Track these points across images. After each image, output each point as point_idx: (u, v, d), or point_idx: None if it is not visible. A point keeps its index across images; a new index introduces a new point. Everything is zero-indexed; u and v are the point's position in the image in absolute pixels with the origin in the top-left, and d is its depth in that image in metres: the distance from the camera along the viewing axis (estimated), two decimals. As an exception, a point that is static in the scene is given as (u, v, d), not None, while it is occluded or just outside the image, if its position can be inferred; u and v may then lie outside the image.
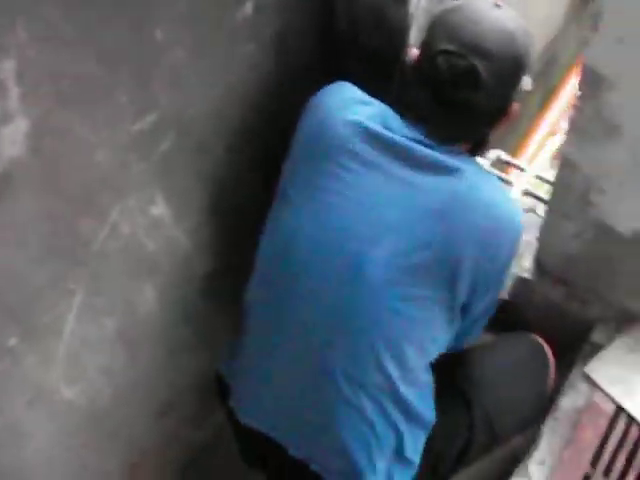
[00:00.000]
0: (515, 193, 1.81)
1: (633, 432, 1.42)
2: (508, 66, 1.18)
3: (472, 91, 1.16)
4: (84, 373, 1.28)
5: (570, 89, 3.07)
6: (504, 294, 1.46)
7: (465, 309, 1.24)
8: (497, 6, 1.20)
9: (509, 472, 1.43)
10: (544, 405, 1.47)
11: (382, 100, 1.26)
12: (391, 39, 1.34)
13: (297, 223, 1.22)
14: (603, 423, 1.43)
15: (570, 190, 1.40)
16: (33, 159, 0.97)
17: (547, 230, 1.54)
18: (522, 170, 1.92)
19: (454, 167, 1.17)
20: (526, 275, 1.63)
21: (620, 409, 1.44)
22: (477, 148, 1.28)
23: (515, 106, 1.24)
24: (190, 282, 1.41)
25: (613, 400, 1.45)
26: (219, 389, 1.40)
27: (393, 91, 1.27)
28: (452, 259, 1.16)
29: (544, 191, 1.80)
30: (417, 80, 1.22)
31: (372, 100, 1.25)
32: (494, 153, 1.89)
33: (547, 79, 3.02)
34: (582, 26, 3.77)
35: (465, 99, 1.18)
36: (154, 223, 1.25)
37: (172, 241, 1.31)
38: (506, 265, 1.25)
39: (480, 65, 1.14)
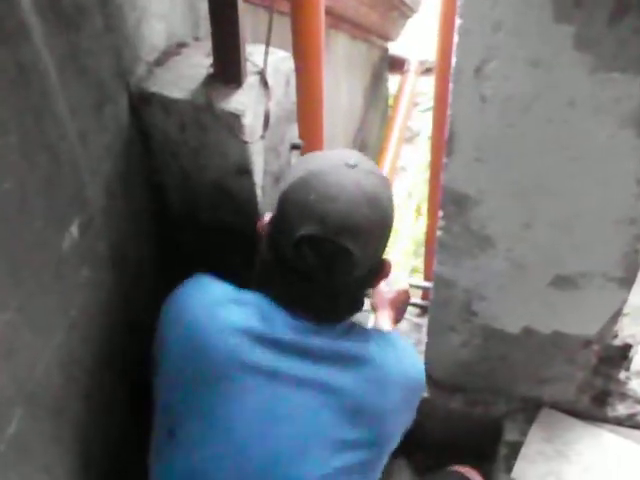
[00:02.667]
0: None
1: (579, 525, 1.38)
2: (378, 232, 1.02)
3: (347, 273, 1.01)
4: None
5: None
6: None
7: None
8: (350, 166, 1.00)
9: None
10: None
11: (240, 277, 1.08)
12: (238, 213, 1.17)
13: (200, 466, 0.99)
14: (548, 525, 1.38)
15: (450, 305, 1.35)
16: None
17: (433, 344, 1.47)
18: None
19: (354, 355, 1.03)
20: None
21: (559, 505, 1.40)
22: (358, 308, 1.12)
23: (387, 261, 1.09)
24: None
25: (550, 498, 1.41)
26: None
27: (254, 268, 1.08)
28: (380, 439, 1.06)
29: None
30: (281, 267, 1.03)
31: (239, 293, 1.05)
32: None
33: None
34: (376, 109, 4.06)
35: (341, 281, 1.02)
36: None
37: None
38: (417, 404, 1.16)
39: (350, 245, 0.97)
